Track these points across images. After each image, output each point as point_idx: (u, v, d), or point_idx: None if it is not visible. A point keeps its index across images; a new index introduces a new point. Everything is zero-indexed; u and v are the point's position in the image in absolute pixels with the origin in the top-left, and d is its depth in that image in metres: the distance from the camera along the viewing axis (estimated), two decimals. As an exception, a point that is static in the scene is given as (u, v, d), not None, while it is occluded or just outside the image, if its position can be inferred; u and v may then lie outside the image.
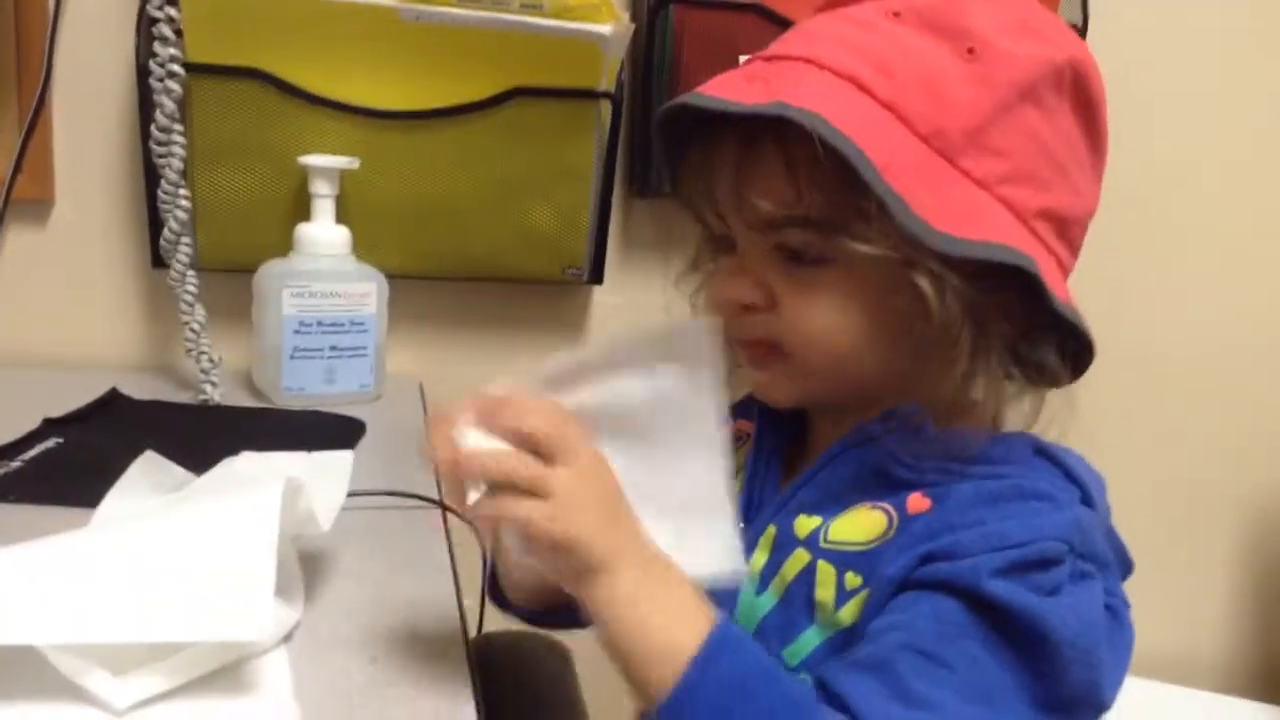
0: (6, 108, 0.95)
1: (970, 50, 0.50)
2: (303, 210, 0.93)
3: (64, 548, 0.49)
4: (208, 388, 0.90)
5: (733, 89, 0.51)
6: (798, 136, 0.47)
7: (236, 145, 0.93)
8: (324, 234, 0.92)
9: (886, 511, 0.52)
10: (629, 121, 1.06)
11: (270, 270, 0.92)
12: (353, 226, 0.93)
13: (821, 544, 0.53)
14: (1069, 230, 0.53)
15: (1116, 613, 0.51)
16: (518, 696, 0.81)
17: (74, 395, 0.85)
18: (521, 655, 0.84)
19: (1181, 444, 1.33)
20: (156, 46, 0.87)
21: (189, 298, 0.90)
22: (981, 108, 0.49)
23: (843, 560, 0.52)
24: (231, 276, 0.96)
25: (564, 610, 0.57)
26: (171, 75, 0.87)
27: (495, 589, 0.67)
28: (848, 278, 0.52)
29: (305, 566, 0.57)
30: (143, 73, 0.89)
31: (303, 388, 0.91)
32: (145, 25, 0.89)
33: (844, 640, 0.51)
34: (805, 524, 0.55)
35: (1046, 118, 0.51)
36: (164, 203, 0.89)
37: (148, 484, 0.63)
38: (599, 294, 1.13)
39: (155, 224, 0.93)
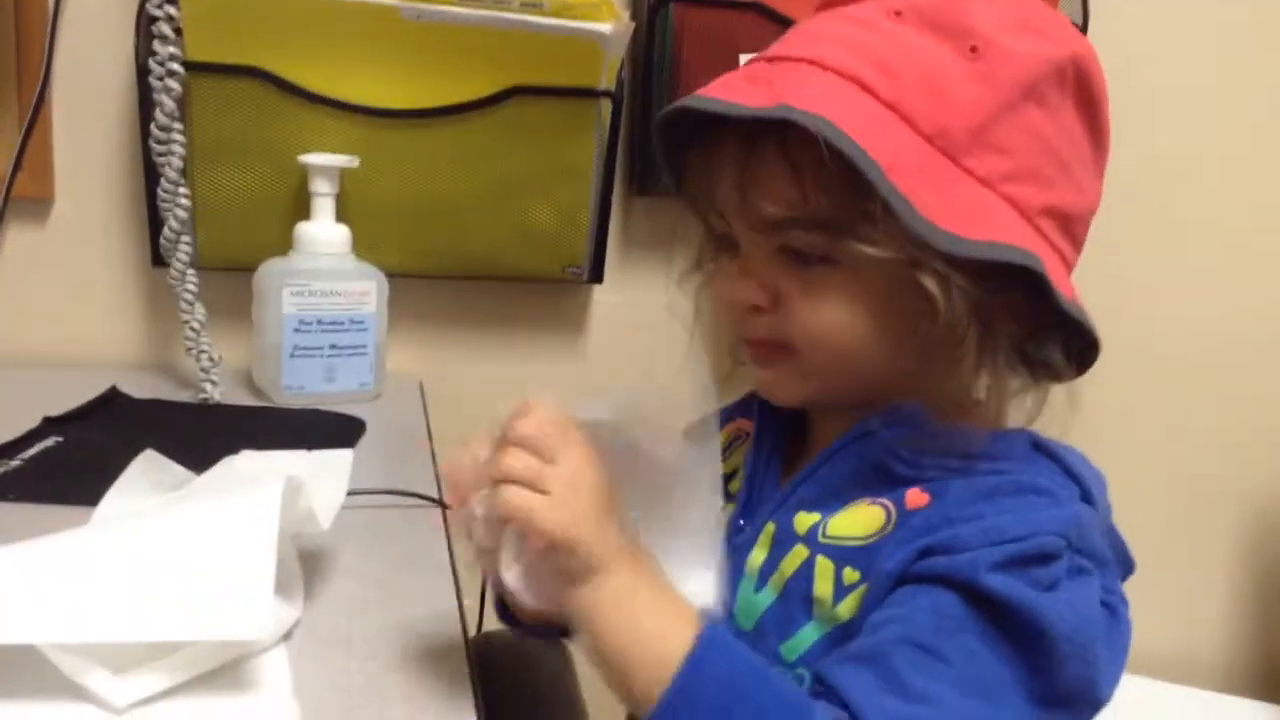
0: (6, 106, 0.95)
1: (973, 49, 0.49)
2: (302, 209, 0.93)
3: (64, 546, 0.49)
4: (208, 386, 0.90)
5: (735, 91, 0.51)
6: (800, 139, 0.47)
7: (236, 144, 0.93)
8: (324, 233, 0.92)
9: (885, 507, 0.52)
10: (629, 120, 1.06)
11: (270, 269, 0.92)
12: (352, 225, 0.93)
13: (820, 539, 0.53)
14: (1073, 227, 0.53)
15: (1114, 610, 0.51)
16: (518, 695, 0.81)
17: (74, 394, 0.85)
18: (521, 654, 0.83)
19: (1182, 441, 1.33)
20: (156, 45, 0.87)
21: (189, 296, 0.90)
22: (985, 106, 0.49)
23: (841, 555, 0.52)
24: (231, 275, 0.97)
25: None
26: (171, 74, 0.87)
27: (501, 607, 0.67)
28: (853, 278, 0.52)
29: (305, 565, 0.57)
30: (142, 71, 0.89)
31: (302, 386, 0.91)
32: (145, 24, 0.89)
33: (842, 635, 0.51)
34: (804, 520, 0.55)
35: (1049, 115, 0.51)
36: (164, 201, 0.89)
37: (148, 483, 0.63)
38: (599, 292, 1.13)
39: (155, 222, 0.93)
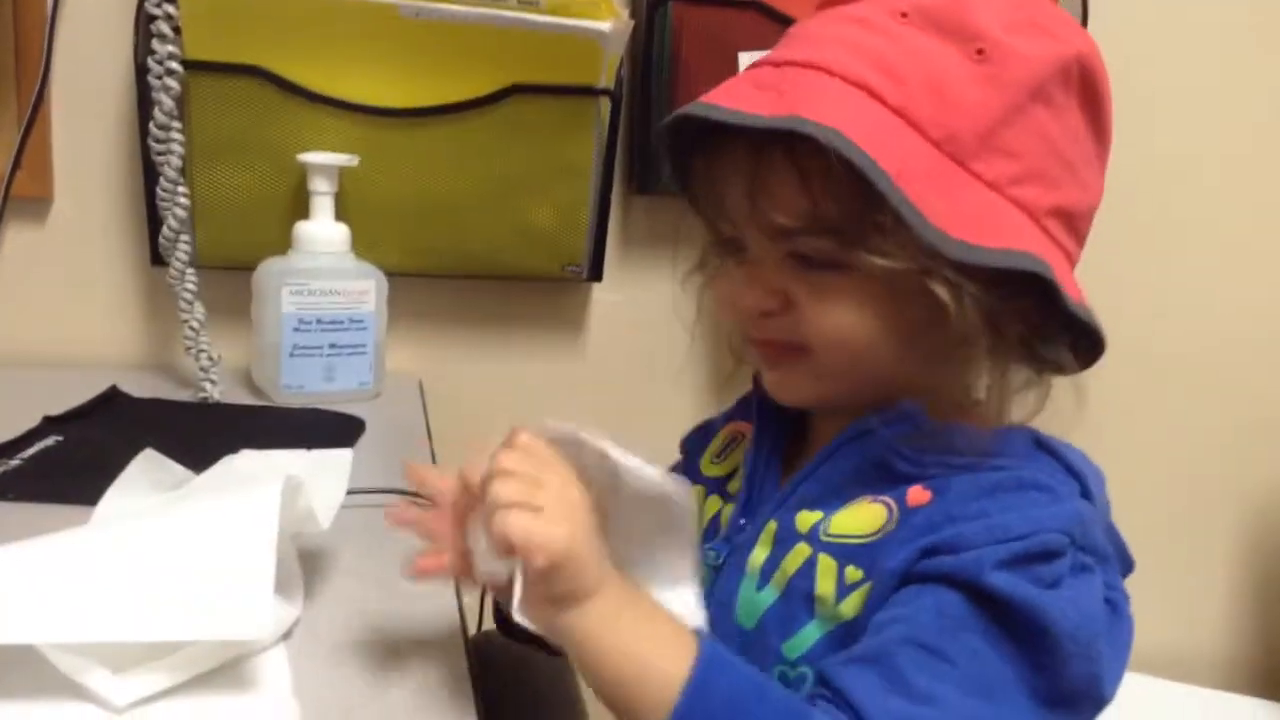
0: (5, 105, 0.95)
1: (980, 51, 0.49)
2: (302, 208, 0.93)
3: (64, 546, 0.49)
4: (207, 385, 0.90)
5: (743, 98, 0.50)
6: (809, 147, 0.47)
7: (235, 143, 0.93)
8: (323, 231, 0.92)
9: (887, 504, 0.52)
10: (628, 118, 1.06)
11: (269, 268, 0.92)
12: (352, 224, 0.93)
13: (822, 537, 0.53)
14: (1077, 224, 0.53)
15: (1116, 606, 0.51)
16: (517, 695, 0.81)
17: (74, 393, 0.85)
18: (521, 654, 0.83)
19: (1182, 440, 1.33)
20: (155, 44, 0.87)
21: (188, 295, 0.90)
22: (992, 110, 0.49)
23: (843, 553, 0.52)
24: (231, 274, 0.96)
25: None
26: (170, 73, 0.87)
27: (500, 618, 0.66)
28: (863, 284, 0.51)
29: (305, 564, 0.57)
30: (141, 70, 0.89)
31: (302, 385, 0.91)
32: (144, 23, 0.89)
33: (845, 634, 0.51)
34: (807, 519, 0.55)
35: (1056, 115, 0.51)
36: (163, 200, 0.89)
37: (147, 482, 0.63)
38: (598, 291, 1.13)
39: (154, 221, 0.93)
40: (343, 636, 0.52)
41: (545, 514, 0.44)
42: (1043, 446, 0.55)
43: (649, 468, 0.49)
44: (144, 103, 0.90)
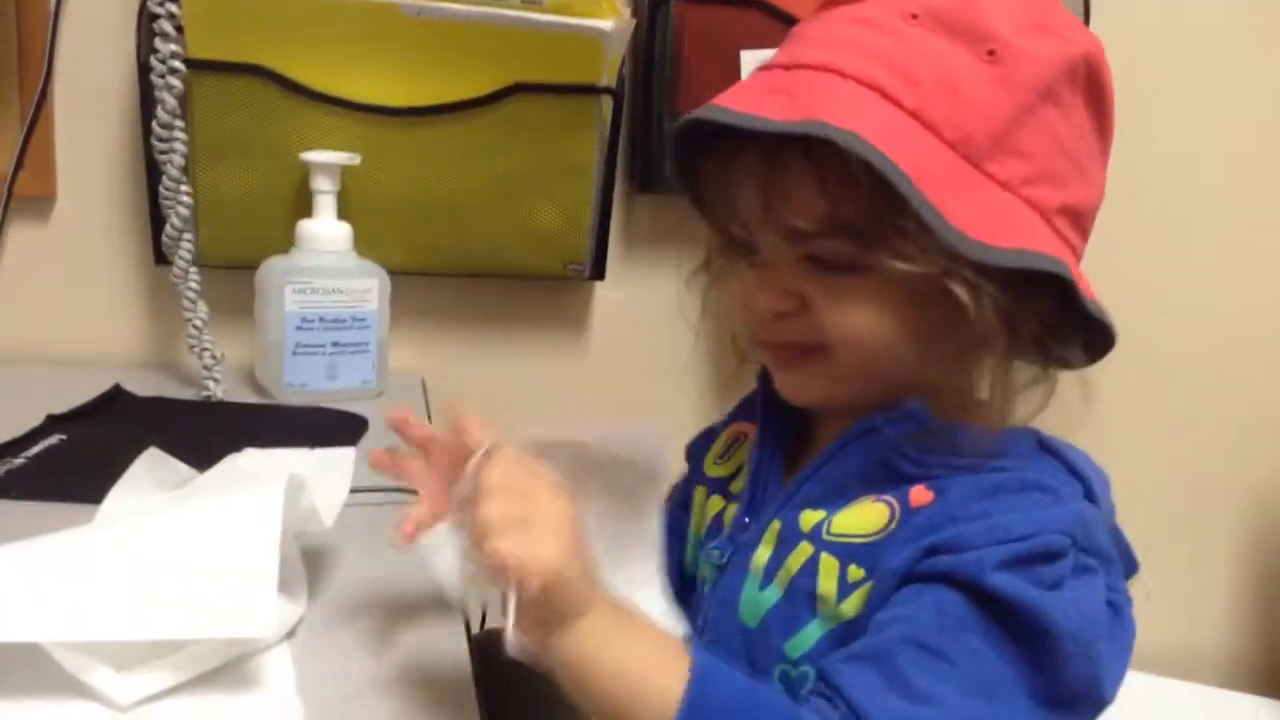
0: (8, 104, 0.95)
1: (991, 52, 0.49)
2: (304, 206, 0.93)
3: (68, 544, 0.49)
4: (210, 384, 0.90)
5: (756, 102, 0.50)
6: (825, 149, 0.47)
7: (238, 142, 0.93)
8: (326, 230, 0.92)
9: (889, 504, 0.52)
10: (630, 117, 1.06)
11: (272, 267, 0.92)
12: (354, 223, 0.93)
13: (824, 536, 0.53)
14: (1083, 222, 0.53)
15: (1118, 608, 0.51)
16: (519, 693, 0.80)
17: (77, 392, 0.85)
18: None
19: (1184, 438, 1.32)
20: (158, 43, 0.87)
21: (191, 294, 0.90)
22: (1004, 110, 0.49)
23: (846, 552, 0.52)
24: (233, 273, 0.96)
25: None
26: (173, 72, 0.87)
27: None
28: (882, 286, 0.51)
29: (308, 563, 0.57)
30: (144, 69, 0.89)
31: (305, 384, 0.91)
32: (146, 22, 0.89)
33: (846, 633, 0.51)
34: (810, 518, 0.55)
35: (1063, 115, 0.51)
36: (166, 199, 0.89)
37: (151, 480, 0.63)
38: (601, 289, 1.13)
39: (157, 220, 0.93)
40: (346, 635, 0.53)
41: (534, 531, 0.43)
42: (1046, 448, 0.55)
43: (622, 420, 0.49)
44: (147, 102, 0.90)
